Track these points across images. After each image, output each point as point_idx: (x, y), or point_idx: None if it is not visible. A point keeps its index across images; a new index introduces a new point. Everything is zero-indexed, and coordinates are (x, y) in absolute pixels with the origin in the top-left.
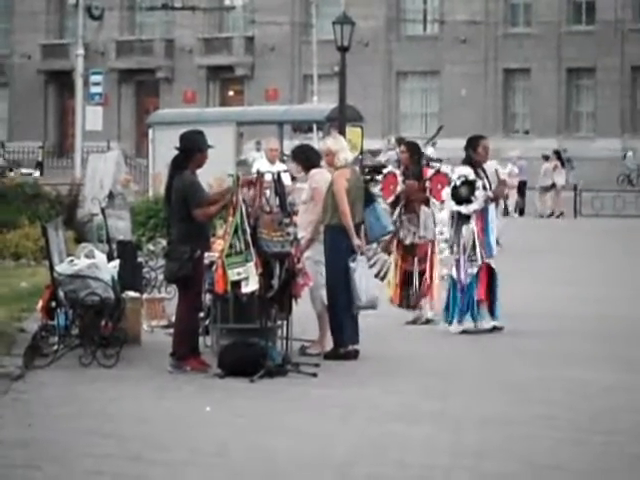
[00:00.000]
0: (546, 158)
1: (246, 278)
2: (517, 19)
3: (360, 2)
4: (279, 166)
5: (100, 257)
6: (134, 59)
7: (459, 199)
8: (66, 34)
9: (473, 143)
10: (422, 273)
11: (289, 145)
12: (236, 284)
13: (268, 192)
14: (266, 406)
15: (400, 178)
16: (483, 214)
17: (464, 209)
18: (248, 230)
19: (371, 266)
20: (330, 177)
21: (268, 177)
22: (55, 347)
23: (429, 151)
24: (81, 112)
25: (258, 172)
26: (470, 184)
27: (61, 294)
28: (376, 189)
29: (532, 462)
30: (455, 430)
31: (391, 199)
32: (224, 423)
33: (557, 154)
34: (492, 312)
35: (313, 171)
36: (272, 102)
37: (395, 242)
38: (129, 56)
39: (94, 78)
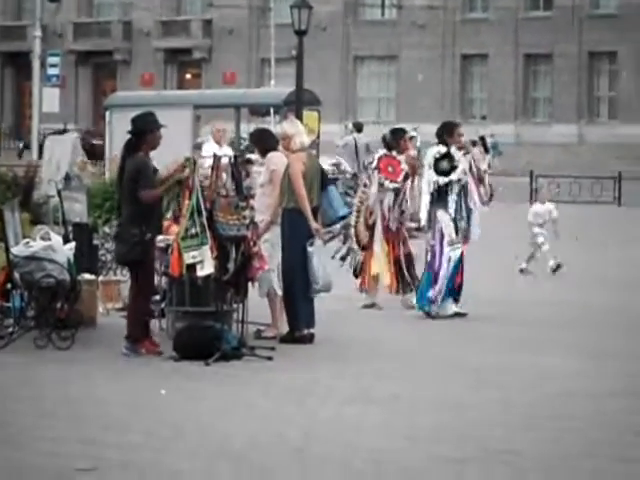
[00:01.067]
0: (474, 143)
1: (201, 261)
2: (475, 4)
3: None
4: (226, 148)
5: (56, 239)
6: (92, 41)
7: (440, 172)
8: (24, 16)
9: (448, 128)
10: (407, 255)
11: (246, 129)
12: (192, 267)
13: (224, 175)
14: (221, 389)
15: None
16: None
17: (453, 176)
18: (204, 213)
19: (342, 257)
20: (285, 160)
21: (225, 160)
22: (10, 329)
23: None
24: (38, 94)
25: (215, 156)
26: (449, 157)
27: (16, 276)
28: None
29: (487, 447)
30: (410, 414)
31: (401, 179)
32: (179, 406)
33: (482, 139)
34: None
35: (270, 154)
36: (230, 85)
37: (382, 229)
38: (87, 38)
39: (51, 60)
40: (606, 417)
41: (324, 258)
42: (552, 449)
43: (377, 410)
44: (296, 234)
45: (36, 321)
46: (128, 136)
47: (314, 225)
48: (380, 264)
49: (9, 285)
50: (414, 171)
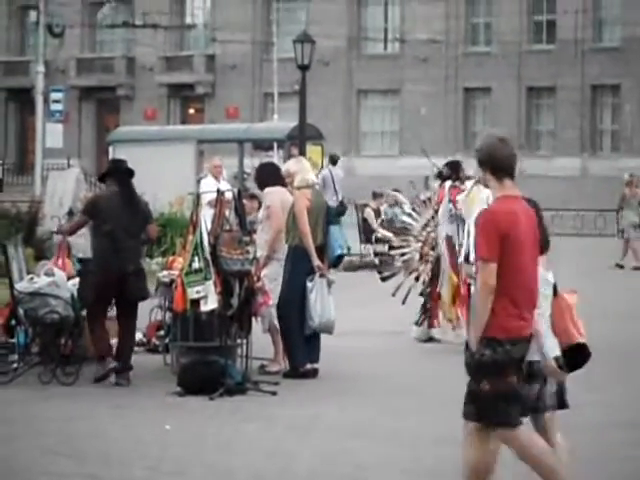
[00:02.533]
0: (438, 175)
1: (205, 296)
2: (477, 38)
3: (321, 21)
4: (224, 183)
5: (60, 275)
6: (95, 77)
7: None
8: (27, 51)
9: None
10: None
11: (250, 164)
12: (196, 302)
13: (228, 211)
14: (225, 424)
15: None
16: None
17: None
18: (208, 248)
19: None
20: (289, 197)
21: (228, 195)
22: (15, 365)
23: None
24: (41, 129)
25: (218, 191)
26: None
27: (21, 312)
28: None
29: None
30: (411, 449)
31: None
32: (183, 441)
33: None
34: None
35: (267, 190)
36: (233, 120)
37: (449, 262)
38: (90, 74)
39: (54, 95)
40: (612, 449)
41: (331, 298)
42: None
43: (380, 445)
44: (298, 270)
45: (40, 357)
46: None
47: (316, 262)
48: (447, 298)
49: (13, 321)
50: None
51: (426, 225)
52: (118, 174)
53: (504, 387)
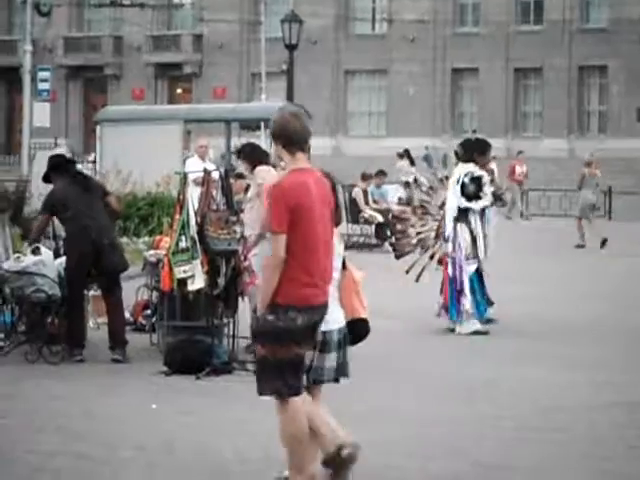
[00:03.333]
0: (401, 156)
1: (192, 276)
2: (465, 18)
3: (309, 0)
4: (209, 163)
5: (47, 254)
6: (82, 56)
7: (468, 195)
8: (14, 30)
9: (483, 148)
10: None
11: (237, 143)
12: (182, 282)
13: (215, 191)
14: (212, 404)
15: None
16: (482, 213)
17: (474, 205)
18: (194, 228)
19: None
20: (276, 175)
21: (215, 175)
22: (1, 344)
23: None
24: (29, 108)
25: (205, 170)
26: (477, 180)
27: (7, 291)
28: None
29: (480, 462)
30: (403, 429)
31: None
32: (170, 420)
33: (406, 152)
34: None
35: (258, 168)
36: (220, 100)
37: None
38: (77, 53)
39: (42, 74)
40: (598, 430)
41: None
42: (545, 463)
43: (369, 425)
44: None
45: (27, 336)
46: (119, 151)
47: None
48: None
49: (0, 300)
50: (492, 176)
51: (443, 204)
52: (61, 167)
53: (282, 354)
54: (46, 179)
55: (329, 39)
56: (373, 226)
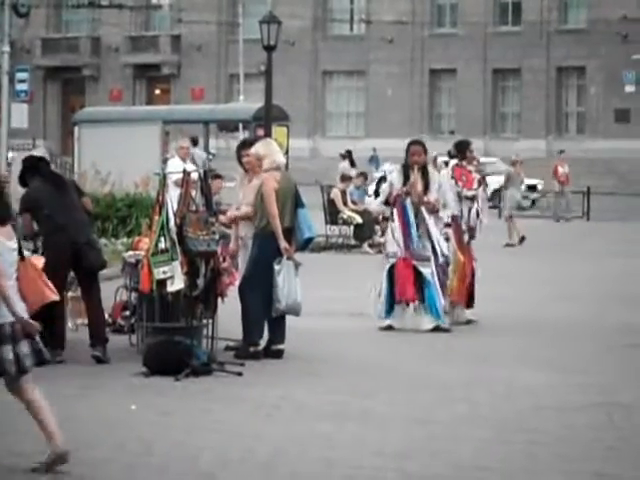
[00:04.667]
0: (343, 157)
1: (171, 277)
2: (443, 19)
3: (287, 1)
4: (189, 164)
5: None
6: (60, 57)
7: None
8: None
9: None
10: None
11: (215, 144)
12: (162, 283)
13: (194, 192)
14: (191, 405)
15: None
16: (402, 211)
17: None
18: (174, 229)
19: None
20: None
21: (194, 176)
22: None
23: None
24: (6, 109)
25: (184, 171)
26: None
27: None
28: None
29: (457, 463)
30: (380, 430)
31: (476, 186)
32: (149, 421)
33: (348, 153)
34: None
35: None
36: (198, 101)
37: (457, 242)
38: (55, 54)
39: (20, 75)
40: (577, 432)
41: (297, 280)
42: (523, 464)
43: (348, 426)
44: (265, 252)
45: None
46: (96, 152)
47: (283, 244)
48: (453, 277)
49: None
50: (484, 178)
51: None
52: (34, 168)
53: None
54: (22, 182)
55: (307, 40)
56: (352, 227)
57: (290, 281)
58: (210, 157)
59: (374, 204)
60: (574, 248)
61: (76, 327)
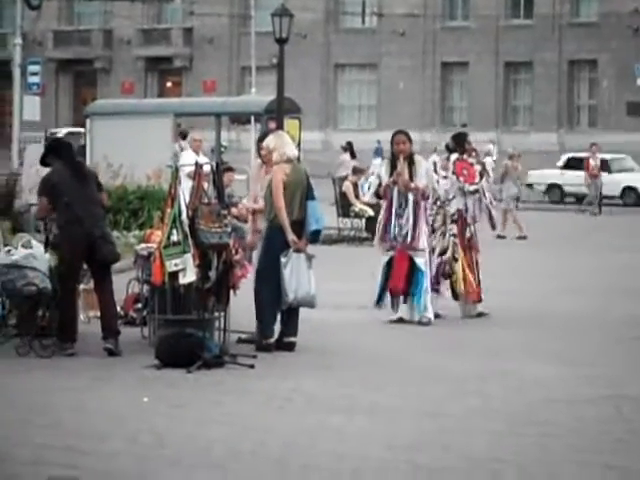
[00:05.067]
0: (344, 149)
1: (184, 269)
2: (455, 12)
3: None
4: (202, 157)
5: (37, 247)
6: (72, 49)
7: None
8: (4, 23)
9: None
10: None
11: (227, 137)
12: (174, 275)
13: (206, 184)
14: (203, 397)
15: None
16: (390, 201)
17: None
18: (186, 221)
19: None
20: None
21: (207, 168)
22: None
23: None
24: (19, 102)
25: (196, 164)
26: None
27: None
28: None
29: (468, 455)
30: (392, 422)
31: (478, 180)
32: (161, 414)
33: (349, 145)
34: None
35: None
36: (210, 94)
37: (459, 232)
38: (67, 46)
39: (32, 68)
40: (587, 424)
41: (310, 272)
42: (534, 456)
43: (359, 419)
44: (274, 244)
45: (18, 329)
46: (108, 144)
47: (290, 237)
48: (459, 272)
49: None
50: (484, 169)
51: (437, 199)
52: (58, 151)
53: None
54: (43, 162)
55: (319, 33)
56: (363, 220)
57: (300, 273)
58: (222, 150)
59: (367, 197)
60: (583, 241)
61: (88, 319)
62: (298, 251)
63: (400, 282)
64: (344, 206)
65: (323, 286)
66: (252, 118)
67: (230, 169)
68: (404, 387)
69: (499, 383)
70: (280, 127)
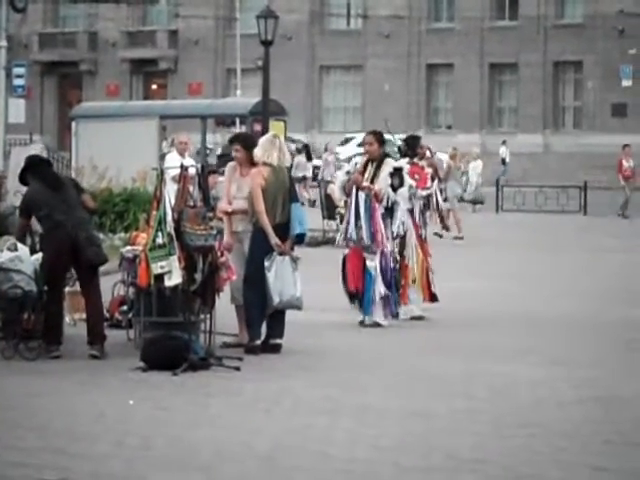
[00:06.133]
0: (299, 151)
1: (169, 271)
2: (440, 14)
3: None
4: (188, 159)
5: (23, 250)
6: (57, 52)
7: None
8: None
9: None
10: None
11: (212, 139)
12: (159, 277)
13: (191, 187)
14: (189, 399)
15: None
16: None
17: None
18: (171, 224)
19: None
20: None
21: (192, 171)
22: None
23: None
24: (4, 104)
25: (182, 166)
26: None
27: None
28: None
29: (455, 456)
30: (378, 424)
31: (430, 184)
32: (147, 416)
33: (305, 147)
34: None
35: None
36: (195, 96)
37: (417, 237)
38: (52, 49)
39: (17, 70)
40: (574, 425)
41: (296, 275)
42: (520, 457)
43: (345, 420)
44: (260, 248)
45: (3, 332)
46: (94, 147)
47: (274, 241)
48: (415, 273)
49: None
50: (436, 171)
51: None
52: (34, 167)
53: None
54: (22, 180)
55: (304, 35)
56: None
57: (285, 276)
58: (207, 152)
59: (336, 192)
60: (572, 243)
61: (74, 322)
62: (282, 254)
63: (354, 283)
64: (329, 208)
65: (309, 288)
66: (237, 120)
67: (214, 171)
68: (390, 389)
69: (485, 384)
70: (265, 129)
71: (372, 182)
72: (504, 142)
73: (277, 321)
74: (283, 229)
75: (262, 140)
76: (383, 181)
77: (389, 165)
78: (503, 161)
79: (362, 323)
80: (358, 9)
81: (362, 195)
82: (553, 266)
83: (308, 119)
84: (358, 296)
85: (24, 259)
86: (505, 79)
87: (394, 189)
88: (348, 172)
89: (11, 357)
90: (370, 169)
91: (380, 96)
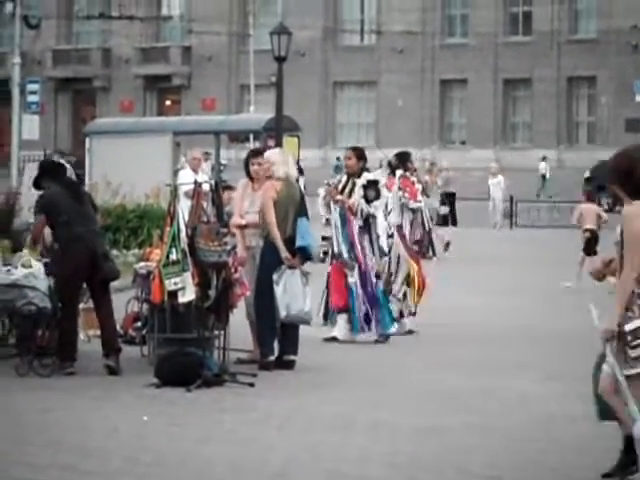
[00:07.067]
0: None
1: (183, 288)
2: (454, 30)
3: (297, 12)
4: (202, 175)
5: (37, 266)
6: (71, 68)
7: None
8: (3, 42)
9: (406, 159)
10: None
11: (226, 155)
12: (173, 294)
13: (205, 203)
14: (203, 415)
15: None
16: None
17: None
18: (185, 240)
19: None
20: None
21: (206, 187)
22: None
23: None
24: (18, 121)
25: (195, 182)
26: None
27: None
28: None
29: (469, 472)
30: (391, 440)
31: (419, 201)
32: (161, 432)
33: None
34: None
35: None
36: (209, 112)
37: (406, 248)
38: (66, 65)
39: (31, 87)
40: (584, 440)
41: (306, 290)
42: (532, 473)
43: (358, 437)
44: (270, 262)
45: (17, 348)
46: (108, 163)
47: (284, 254)
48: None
49: None
50: (424, 190)
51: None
52: (52, 172)
53: None
54: (36, 185)
55: (317, 51)
56: None
57: (293, 290)
58: (222, 168)
59: (320, 209)
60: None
61: (88, 339)
62: (292, 268)
63: (337, 299)
64: None
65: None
66: (251, 136)
67: (229, 187)
68: (403, 405)
69: (497, 400)
70: (279, 145)
71: (350, 196)
72: (544, 158)
73: (291, 338)
74: (293, 243)
75: (276, 154)
76: (356, 194)
77: (364, 178)
78: (543, 177)
79: (334, 339)
80: (372, 25)
81: (337, 209)
82: (550, 280)
83: (322, 135)
84: (338, 313)
85: (38, 275)
86: (519, 94)
87: (368, 201)
88: (328, 185)
89: (25, 374)
90: (349, 184)
91: (394, 112)
